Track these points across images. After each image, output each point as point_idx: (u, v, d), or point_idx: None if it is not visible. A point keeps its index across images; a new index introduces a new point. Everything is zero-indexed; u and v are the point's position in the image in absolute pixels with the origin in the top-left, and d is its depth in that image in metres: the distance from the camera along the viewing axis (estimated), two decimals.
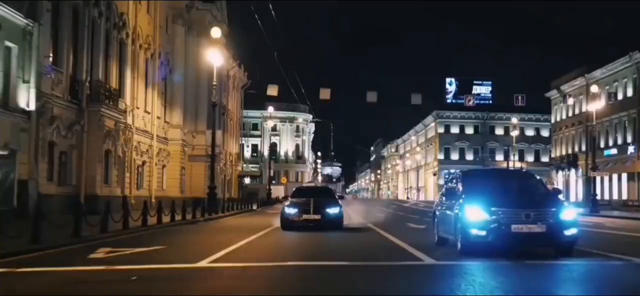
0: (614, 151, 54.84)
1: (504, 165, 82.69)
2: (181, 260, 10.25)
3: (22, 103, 21.37)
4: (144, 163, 34.72)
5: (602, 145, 56.34)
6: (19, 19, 20.86)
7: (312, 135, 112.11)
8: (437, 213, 12.59)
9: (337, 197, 21.33)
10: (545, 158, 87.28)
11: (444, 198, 12.41)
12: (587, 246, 11.41)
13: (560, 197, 11.63)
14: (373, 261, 10.07)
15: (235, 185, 61.30)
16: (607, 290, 7.25)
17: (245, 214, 34.00)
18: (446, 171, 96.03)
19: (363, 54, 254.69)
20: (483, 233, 9.73)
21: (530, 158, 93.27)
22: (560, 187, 67.19)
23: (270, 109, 73.57)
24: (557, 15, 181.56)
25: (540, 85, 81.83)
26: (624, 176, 52.81)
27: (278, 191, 72.56)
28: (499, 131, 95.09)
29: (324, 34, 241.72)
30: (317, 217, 18.04)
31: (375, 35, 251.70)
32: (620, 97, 53.91)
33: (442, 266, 9.34)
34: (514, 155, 79.57)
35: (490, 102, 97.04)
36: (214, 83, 30.88)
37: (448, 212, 11.29)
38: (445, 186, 13.75)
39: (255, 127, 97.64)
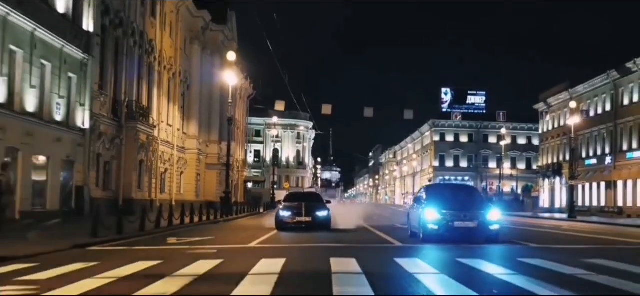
0: (593, 161, 59.80)
1: (497, 172, 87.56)
2: (237, 243, 15.08)
3: (79, 123, 26.25)
4: (166, 170, 39.64)
5: (583, 155, 61.29)
6: (79, 54, 25.75)
7: (312, 142, 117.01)
8: (410, 214, 17.56)
9: (325, 201, 23.97)
10: (536, 166, 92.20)
11: (415, 203, 17.36)
12: (513, 238, 16.41)
13: (492, 200, 16.66)
14: (360, 244, 14.90)
15: (242, 190, 66.20)
16: (498, 260, 11.95)
17: (255, 216, 38.70)
18: (441, 177, 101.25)
19: (362, 54, 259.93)
20: (436, 227, 14.64)
21: (521, 165, 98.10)
22: (547, 194, 72.42)
23: (275, 119, 78.39)
24: (557, 22, 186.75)
25: (534, 94, 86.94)
26: (603, 184, 57.76)
27: (281, 196, 77.27)
28: (492, 139, 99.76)
29: (324, 34, 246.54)
30: (309, 219, 20.50)
31: (376, 36, 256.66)
32: (599, 111, 58.93)
33: (406, 247, 14.22)
34: (505, 163, 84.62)
35: (484, 111, 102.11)
36: (230, 101, 35.79)
37: (416, 213, 16.23)
38: (416, 195, 18.76)
39: (258, 133, 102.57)
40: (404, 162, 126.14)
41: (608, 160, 56.72)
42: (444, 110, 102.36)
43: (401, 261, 10.46)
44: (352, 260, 10.43)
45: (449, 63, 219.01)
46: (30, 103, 22.36)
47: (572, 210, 43.51)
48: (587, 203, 59.51)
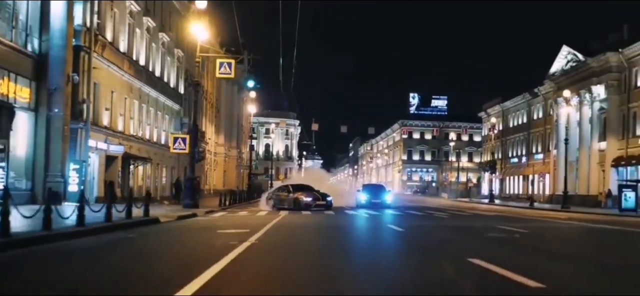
0: (516, 160, 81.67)
1: (456, 165, 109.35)
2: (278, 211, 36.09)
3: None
4: (207, 169, 60.65)
5: (510, 155, 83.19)
6: (176, 106, 46.67)
7: (298, 136, 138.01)
8: (356, 196, 38.86)
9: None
10: (479, 162, 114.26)
11: (358, 192, 38.79)
12: (407, 208, 37.69)
13: (389, 190, 38.41)
14: (326, 211, 35.85)
15: (246, 180, 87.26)
16: (401, 217, 32.73)
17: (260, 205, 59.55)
18: (409, 169, 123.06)
19: (348, 54, 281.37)
20: (364, 202, 36.12)
21: (477, 159, 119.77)
22: (486, 185, 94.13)
23: (272, 126, 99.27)
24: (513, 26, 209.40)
25: (493, 96, 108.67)
26: (521, 178, 79.63)
27: (276, 185, 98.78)
28: (453, 136, 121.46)
29: (308, 34, 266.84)
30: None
31: (357, 35, 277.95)
32: (519, 122, 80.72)
33: (350, 209, 35.37)
34: (463, 157, 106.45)
35: (446, 113, 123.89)
36: (251, 124, 56.78)
37: (358, 196, 37.65)
38: (358, 188, 40.23)
39: (252, 130, 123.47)
40: (378, 155, 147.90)
41: (524, 159, 78.61)
42: (412, 111, 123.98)
43: (349, 212, 31.52)
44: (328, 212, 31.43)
45: (416, 66, 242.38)
46: (156, 136, 43.24)
47: (492, 197, 65.20)
48: (513, 192, 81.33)
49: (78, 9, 27.88)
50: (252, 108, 56.00)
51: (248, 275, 8.11)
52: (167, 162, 44.97)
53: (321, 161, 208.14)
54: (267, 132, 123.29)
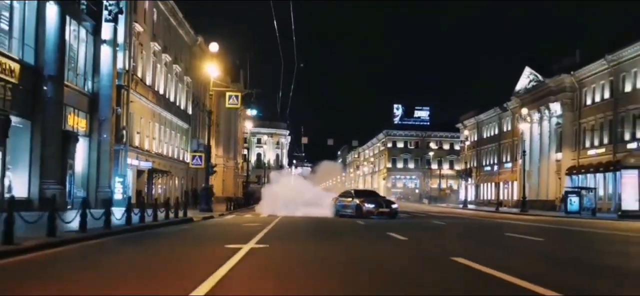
0: (488, 168, 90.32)
1: (437, 171, 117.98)
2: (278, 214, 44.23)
3: (186, 159, 55.33)
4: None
5: (484, 163, 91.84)
6: (185, 125, 54.85)
7: (288, 145, 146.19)
8: (335, 203, 46.85)
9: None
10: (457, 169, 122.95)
11: (338, 199, 46.75)
12: (406, 216, 45.91)
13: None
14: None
15: (241, 187, 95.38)
16: (397, 223, 40.85)
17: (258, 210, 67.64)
18: (393, 176, 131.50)
19: (336, 66, 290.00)
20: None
21: (457, 167, 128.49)
22: (463, 191, 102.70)
23: (264, 137, 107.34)
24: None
25: (472, 108, 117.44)
26: (493, 185, 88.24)
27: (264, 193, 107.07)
28: (434, 146, 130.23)
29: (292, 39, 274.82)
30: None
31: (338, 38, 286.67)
32: (492, 134, 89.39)
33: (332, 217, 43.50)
34: (444, 164, 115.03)
35: (428, 123, 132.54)
36: (246, 145, 64.90)
37: (339, 202, 45.70)
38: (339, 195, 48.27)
39: (244, 140, 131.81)
40: (365, 163, 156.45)
41: (495, 167, 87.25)
42: (396, 122, 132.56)
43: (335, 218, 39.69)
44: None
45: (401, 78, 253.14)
46: (171, 151, 51.37)
47: (466, 203, 73.74)
48: (487, 197, 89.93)
49: (119, 56, 36.04)
50: (249, 125, 64.25)
51: (275, 237, 16.34)
52: (179, 174, 53.12)
53: (310, 168, 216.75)
54: (259, 142, 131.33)
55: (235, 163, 77.96)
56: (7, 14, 25.63)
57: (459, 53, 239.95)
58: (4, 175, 24.76)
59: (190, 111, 55.88)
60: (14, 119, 24.99)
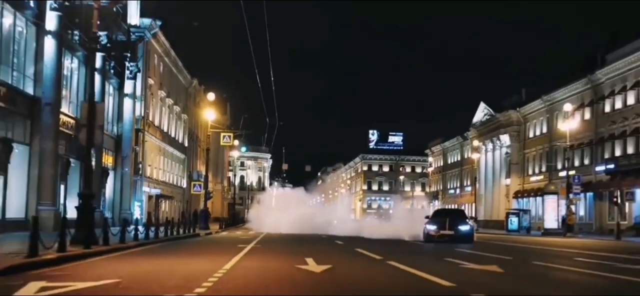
0: (452, 191, 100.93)
1: (410, 193, 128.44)
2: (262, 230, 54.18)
3: (182, 185, 65.22)
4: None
5: (449, 187, 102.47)
6: (182, 156, 64.85)
7: (269, 168, 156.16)
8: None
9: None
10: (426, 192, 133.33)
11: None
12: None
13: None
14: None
15: (226, 208, 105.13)
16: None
17: (246, 227, 77.53)
18: (369, 198, 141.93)
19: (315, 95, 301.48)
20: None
21: (431, 189, 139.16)
22: (430, 211, 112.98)
23: (248, 162, 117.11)
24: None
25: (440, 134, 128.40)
26: (456, 206, 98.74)
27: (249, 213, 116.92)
28: (408, 169, 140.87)
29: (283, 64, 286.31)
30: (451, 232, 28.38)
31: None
32: (455, 160, 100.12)
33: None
34: (417, 187, 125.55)
35: (402, 147, 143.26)
36: (231, 173, 74.76)
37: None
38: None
39: (228, 163, 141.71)
40: (342, 185, 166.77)
41: (458, 190, 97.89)
42: (371, 146, 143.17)
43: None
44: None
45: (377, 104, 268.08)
46: (172, 179, 61.30)
47: None
48: None
49: (137, 105, 46.12)
50: (235, 153, 74.27)
51: (263, 242, 26.37)
52: (177, 197, 63.08)
53: (291, 188, 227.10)
54: (242, 165, 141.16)
55: (222, 186, 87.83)
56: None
57: (431, 83, 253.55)
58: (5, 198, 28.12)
59: (186, 143, 65.87)
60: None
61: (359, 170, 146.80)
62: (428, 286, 10.70)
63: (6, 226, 26.65)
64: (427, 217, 32.09)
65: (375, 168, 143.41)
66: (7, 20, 27.57)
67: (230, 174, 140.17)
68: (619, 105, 54.30)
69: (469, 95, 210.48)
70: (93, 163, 24.67)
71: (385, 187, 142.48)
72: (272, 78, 44.63)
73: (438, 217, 31.92)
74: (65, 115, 33.92)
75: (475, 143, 77.54)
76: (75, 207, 19.49)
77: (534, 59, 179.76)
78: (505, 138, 77.23)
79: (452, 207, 78.03)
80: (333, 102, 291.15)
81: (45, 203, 29.97)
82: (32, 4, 29.55)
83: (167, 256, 17.86)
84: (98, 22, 25.79)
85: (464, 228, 29.48)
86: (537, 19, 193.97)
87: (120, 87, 43.90)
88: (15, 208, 28.94)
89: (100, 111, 20.54)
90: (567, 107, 54.90)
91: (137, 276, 11.58)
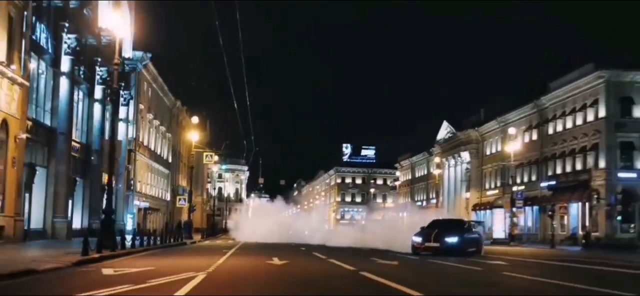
0: (420, 203, 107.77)
1: (381, 205, 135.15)
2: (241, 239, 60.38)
3: (167, 198, 71.30)
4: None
5: (416, 199, 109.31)
6: (166, 171, 70.92)
7: (246, 180, 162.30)
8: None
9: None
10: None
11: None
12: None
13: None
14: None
15: (206, 219, 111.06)
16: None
17: (225, 236, 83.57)
18: (342, 209, 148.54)
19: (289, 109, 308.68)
20: None
21: (400, 201, 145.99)
22: (428, 220, 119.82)
23: (227, 174, 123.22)
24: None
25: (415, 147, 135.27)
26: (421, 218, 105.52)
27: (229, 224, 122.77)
28: (379, 182, 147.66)
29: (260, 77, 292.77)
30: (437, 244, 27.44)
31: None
32: (423, 173, 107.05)
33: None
34: (389, 198, 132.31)
35: (374, 160, 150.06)
36: (209, 185, 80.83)
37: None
38: None
39: (207, 175, 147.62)
40: (317, 196, 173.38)
41: (424, 202, 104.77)
42: (345, 159, 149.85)
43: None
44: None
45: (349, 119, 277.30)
46: (157, 193, 67.34)
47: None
48: None
49: (130, 128, 52.28)
50: (215, 167, 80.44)
51: (244, 250, 32.71)
52: (162, 210, 69.15)
53: (267, 199, 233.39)
54: (220, 176, 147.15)
55: (202, 198, 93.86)
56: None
57: (403, 97, 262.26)
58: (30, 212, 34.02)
59: (170, 160, 71.96)
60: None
61: (333, 183, 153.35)
62: (339, 271, 17.21)
63: (30, 235, 32.80)
64: (421, 228, 30.64)
65: (348, 180, 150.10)
66: (32, 65, 33.76)
67: (209, 186, 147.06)
68: (559, 128, 61.41)
69: (439, 109, 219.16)
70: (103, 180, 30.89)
71: (358, 199, 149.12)
72: (248, 103, 50.97)
73: (428, 228, 30.07)
74: (73, 140, 40.03)
75: (437, 160, 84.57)
76: (100, 221, 25.80)
77: (498, 77, 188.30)
78: (465, 155, 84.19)
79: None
80: (306, 117, 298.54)
81: (59, 216, 36.14)
82: (50, 50, 35.73)
83: (172, 256, 24.12)
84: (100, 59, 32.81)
85: (451, 240, 27.38)
86: (510, 36, 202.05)
87: (114, 112, 49.91)
88: (35, 220, 35.03)
89: (119, 146, 26.77)
90: (512, 130, 61.94)
91: (163, 266, 17.89)
